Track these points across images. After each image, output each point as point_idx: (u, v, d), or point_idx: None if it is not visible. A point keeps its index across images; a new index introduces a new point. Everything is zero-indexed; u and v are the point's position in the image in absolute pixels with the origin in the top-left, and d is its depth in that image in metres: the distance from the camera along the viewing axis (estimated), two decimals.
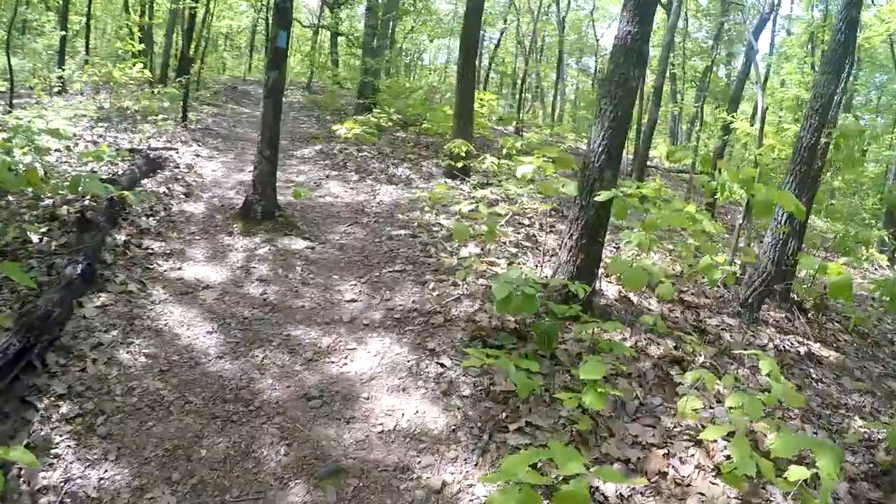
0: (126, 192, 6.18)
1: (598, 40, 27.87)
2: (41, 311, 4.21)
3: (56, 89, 13.11)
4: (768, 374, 3.54)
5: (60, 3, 15.64)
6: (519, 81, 20.42)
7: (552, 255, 6.88)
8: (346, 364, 4.44)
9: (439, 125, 11.74)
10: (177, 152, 9.57)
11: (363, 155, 10.50)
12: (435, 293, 5.51)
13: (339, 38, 22.06)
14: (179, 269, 5.79)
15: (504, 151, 11.47)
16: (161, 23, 17.69)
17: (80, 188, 5.31)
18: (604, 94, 5.13)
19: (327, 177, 9.24)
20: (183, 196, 7.71)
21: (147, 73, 10.16)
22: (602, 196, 4.41)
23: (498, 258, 6.55)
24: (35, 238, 5.76)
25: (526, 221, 8.25)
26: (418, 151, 11.50)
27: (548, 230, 8.13)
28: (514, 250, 6.93)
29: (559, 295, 4.97)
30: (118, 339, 4.46)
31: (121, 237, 6.09)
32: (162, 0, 16.84)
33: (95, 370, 4.07)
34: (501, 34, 24.61)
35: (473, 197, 8.88)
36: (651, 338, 4.83)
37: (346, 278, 5.90)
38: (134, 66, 10.10)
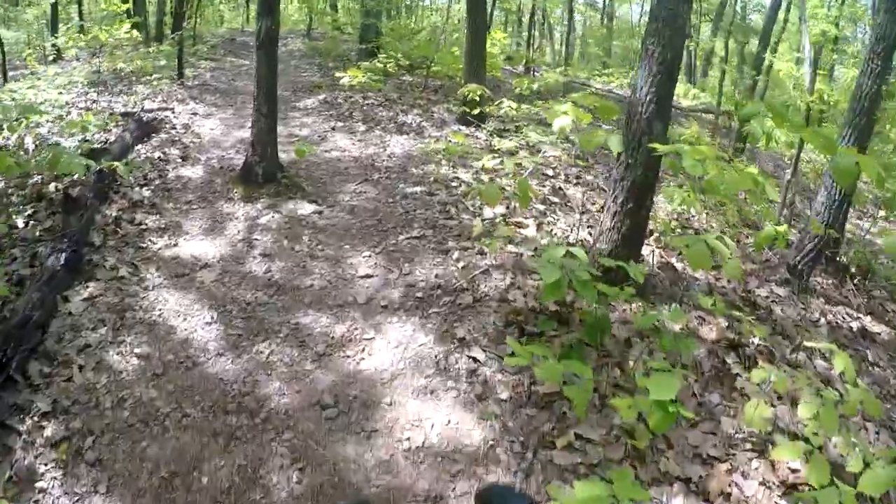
0: (115, 164, 5.56)
1: None
2: (19, 318, 3.68)
3: (51, 57, 12.39)
4: (842, 375, 2.96)
5: None
6: (526, 18, 19.27)
7: (583, 212, 6.24)
8: (363, 359, 3.87)
9: (449, 68, 10.91)
10: (173, 112, 8.87)
11: (369, 103, 9.73)
12: (460, 264, 4.91)
13: None
14: (175, 245, 5.22)
15: (517, 92, 10.71)
16: None
17: (58, 166, 4.67)
18: (650, 34, 4.34)
19: (333, 129, 8.52)
20: (179, 160, 7.06)
21: (136, 33, 9.32)
22: (660, 150, 3.68)
23: (525, 218, 5.92)
24: (21, 222, 5.21)
25: (550, 172, 7.55)
26: (427, 96, 10.71)
27: (574, 181, 7.47)
28: (541, 207, 6.27)
29: (601, 266, 4.34)
30: (107, 337, 3.92)
31: (111, 213, 5.51)
32: None
33: (83, 379, 3.56)
34: None
35: (492, 147, 8.19)
36: (702, 316, 4.23)
37: (359, 248, 5.29)
38: (120, 26, 9.27)
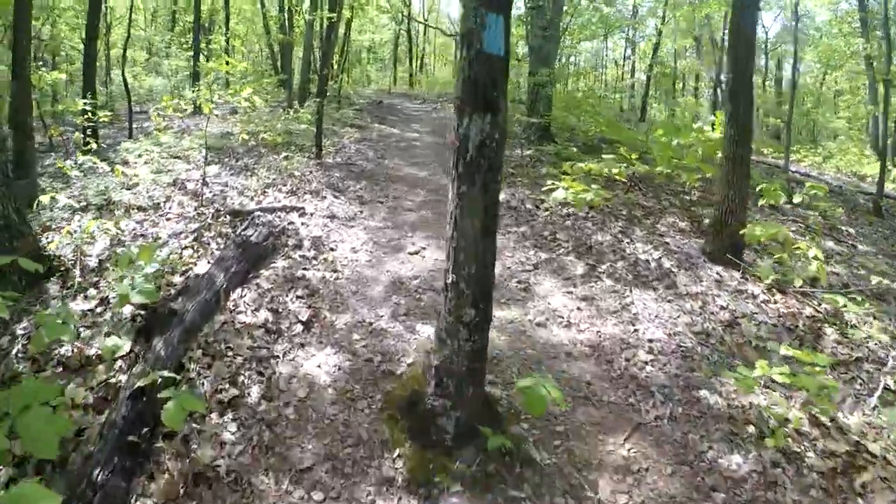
0: (165, 400, 2.40)
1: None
2: None
3: (188, 111, 9.96)
4: None
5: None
6: (712, 85, 15.32)
7: None
8: None
9: (670, 163, 7.23)
10: (301, 213, 5.75)
11: (570, 213, 6.19)
12: None
13: None
14: None
15: (763, 203, 6.97)
16: (301, 39, 14.36)
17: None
18: None
19: (535, 267, 5.02)
20: (299, 327, 3.82)
21: (257, 100, 6.40)
22: None
23: None
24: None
25: (868, 366, 3.75)
26: (638, 199, 7.07)
27: None
28: None
29: None
30: None
31: None
32: (301, 16, 13.46)
33: None
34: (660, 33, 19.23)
35: (780, 313, 4.47)
36: None
37: None
38: (241, 90, 6.37)
